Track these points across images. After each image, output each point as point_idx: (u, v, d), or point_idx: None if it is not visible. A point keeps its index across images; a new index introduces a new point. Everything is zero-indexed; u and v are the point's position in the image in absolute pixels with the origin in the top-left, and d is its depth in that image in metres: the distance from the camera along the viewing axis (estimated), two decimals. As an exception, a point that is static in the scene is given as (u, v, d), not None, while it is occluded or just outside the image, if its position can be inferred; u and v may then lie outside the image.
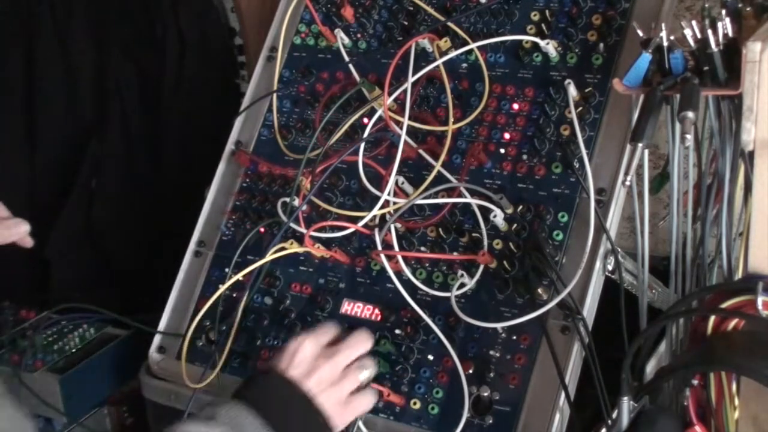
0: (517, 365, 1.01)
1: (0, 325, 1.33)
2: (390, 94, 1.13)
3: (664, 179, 1.07)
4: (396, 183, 1.10)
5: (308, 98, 1.25)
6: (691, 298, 0.96)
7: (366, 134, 1.14)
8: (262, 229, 1.19)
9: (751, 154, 0.86)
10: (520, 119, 1.11)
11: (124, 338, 1.32)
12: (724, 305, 0.84)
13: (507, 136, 1.11)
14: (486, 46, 1.15)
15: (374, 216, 1.10)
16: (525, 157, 1.09)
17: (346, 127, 1.17)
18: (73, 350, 1.29)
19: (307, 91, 1.26)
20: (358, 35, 1.25)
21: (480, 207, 1.07)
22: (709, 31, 0.87)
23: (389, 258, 1.06)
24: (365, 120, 1.17)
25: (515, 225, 1.06)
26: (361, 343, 1.01)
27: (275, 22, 1.32)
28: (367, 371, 1.00)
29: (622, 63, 1.07)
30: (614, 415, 0.91)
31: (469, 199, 1.07)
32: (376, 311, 1.10)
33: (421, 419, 1.03)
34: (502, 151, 1.11)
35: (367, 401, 1.00)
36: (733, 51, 0.87)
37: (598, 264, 1.01)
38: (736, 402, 0.86)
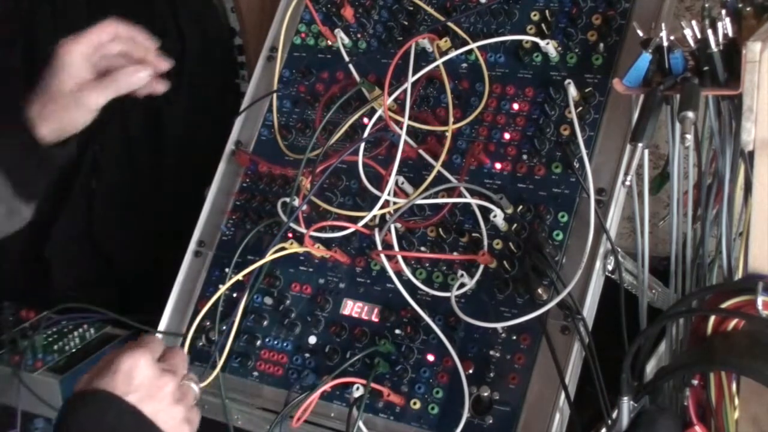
0: (517, 365, 1.01)
1: (0, 325, 1.33)
2: (390, 94, 1.13)
3: (664, 179, 1.07)
4: (396, 183, 1.10)
5: (308, 98, 1.25)
6: (691, 298, 0.96)
7: (366, 134, 1.14)
8: (261, 229, 1.19)
9: (751, 154, 0.86)
10: (520, 119, 1.11)
11: (124, 338, 1.32)
12: (724, 305, 0.84)
13: (507, 136, 1.11)
14: (486, 46, 1.15)
15: (374, 216, 1.10)
16: (525, 157, 1.09)
17: (346, 127, 1.17)
18: (73, 350, 1.29)
19: (307, 91, 1.26)
20: (358, 35, 1.25)
21: (480, 207, 1.07)
22: (709, 31, 0.87)
23: (389, 258, 1.06)
24: (365, 120, 1.17)
25: (515, 225, 1.06)
26: (184, 356, 0.92)
27: (275, 22, 1.32)
28: (195, 385, 0.91)
29: (622, 63, 1.07)
30: (614, 415, 0.91)
31: (469, 199, 1.07)
32: (376, 311, 1.10)
33: (421, 419, 1.03)
34: (502, 151, 1.11)
35: (199, 414, 0.91)
36: (733, 51, 0.87)
37: (598, 264, 1.01)
38: (736, 402, 0.86)
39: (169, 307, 1.23)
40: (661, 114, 0.93)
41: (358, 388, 1.03)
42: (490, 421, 0.99)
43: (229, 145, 1.28)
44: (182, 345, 1.15)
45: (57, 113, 1.03)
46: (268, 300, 1.16)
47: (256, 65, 1.31)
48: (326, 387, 1.06)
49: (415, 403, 1.04)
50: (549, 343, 0.98)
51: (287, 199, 1.14)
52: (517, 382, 1.00)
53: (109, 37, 1.08)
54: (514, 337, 1.02)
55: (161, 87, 1.13)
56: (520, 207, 1.07)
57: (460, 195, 1.08)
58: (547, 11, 1.13)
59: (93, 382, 0.82)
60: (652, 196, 1.03)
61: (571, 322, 0.99)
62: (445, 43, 1.16)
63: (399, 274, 1.06)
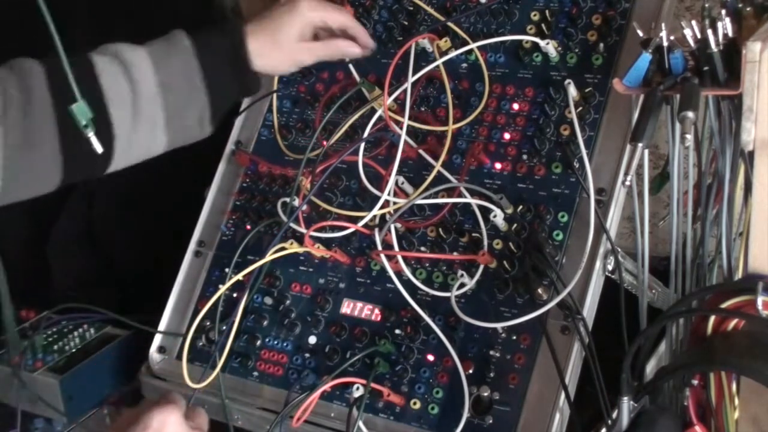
0: (517, 365, 1.01)
1: (0, 325, 1.33)
2: (390, 94, 1.13)
3: (664, 179, 1.07)
4: (396, 183, 1.10)
5: (308, 98, 1.25)
6: (691, 298, 0.96)
7: (366, 134, 1.14)
8: (261, 229, 1.19)
9: (751, 154, 0.86)
10: (520, 119, 1.11)
11: (124, 338, 1.32)
12: (724, 305, 0.84)
13: (507, 136, 1.11)
14: (486, 46, 1.15)
15: (374, 216, 1.10)
16: (525, 157, 1.09)
17: (346, 127, 1.17)
18: (73, 350, 1.29)
19: (307, 91, 1.26)
20: (358, 35, 1.24)
21: (480, 207, 1.07)
22: (709, 31, 0.87)
23: (389, 258, 1.06)
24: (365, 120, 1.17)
25: (515, 225, 1.06)
26: (206, 416, 0.93)
27: (275, 22, 1.32)
28: None
29: (622, 63, 1.07)
30: (614, 415, 0.91)
31: (469, 199, 1.07)
32: (376, 311, 1.10)
33: (421, 419, 1.03)
34: (502, 151, 1.11)
35: None
36: (733, 51, 0.87)
37: (598, 264, 1.01)
38: (736, 402, 0.86)
39: (169, 307, 1.23)
40: (661, 114, 0.93)
41: (358, 388, 1.03)
42: (490, 421, 0.99)
43: (229, 145, 1.28)
44: (182, 345, 1.15)
45: (274, 58, 1.11)
46: (268, 300, 1.16)
47: (256, 65, 1.31)
48: (326, 387, 1.06)
49: (415, 403, 1.04)
50: (549, 343, 0.97)
51: (287, 199, 1.14)
52: (517, 382, 1.00)
53: (339, 25, 1.15)
54: (514, 337, 1.02)
55: (357, 53, 1.18)
56: (520, 207, 1.07)
57: (460, 195, 1.08)
58: (547, 11, 1.13)
59: None
60: (652, 196, 1.03)
61: (571, 322, 0.99)
62: (445, 43, 1.16)
63: (399, 274, 1.06)
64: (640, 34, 0.94)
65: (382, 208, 1.09)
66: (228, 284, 1.13)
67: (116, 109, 1.01)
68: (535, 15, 1.14)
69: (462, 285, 1.04)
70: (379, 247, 1.07)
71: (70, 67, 0.97)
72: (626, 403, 0.88)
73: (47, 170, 0.99)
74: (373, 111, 1.15)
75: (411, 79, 1.12)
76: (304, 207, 1.13)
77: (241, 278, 1.14)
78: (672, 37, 0.91)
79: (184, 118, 1.07)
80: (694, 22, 0.89)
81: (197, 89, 1.06)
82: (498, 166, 1.10)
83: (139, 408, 0.85)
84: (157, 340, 1.22)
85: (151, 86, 1.03)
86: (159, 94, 1.03)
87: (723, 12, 0.87)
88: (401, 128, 1.10)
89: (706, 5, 0.90)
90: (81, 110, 0.96)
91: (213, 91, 1.07)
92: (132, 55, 1.04)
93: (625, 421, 0.89)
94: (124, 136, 1.02)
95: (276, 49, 1.11)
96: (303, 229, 1.11)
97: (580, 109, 1.06)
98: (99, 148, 0.98)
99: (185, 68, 1.06)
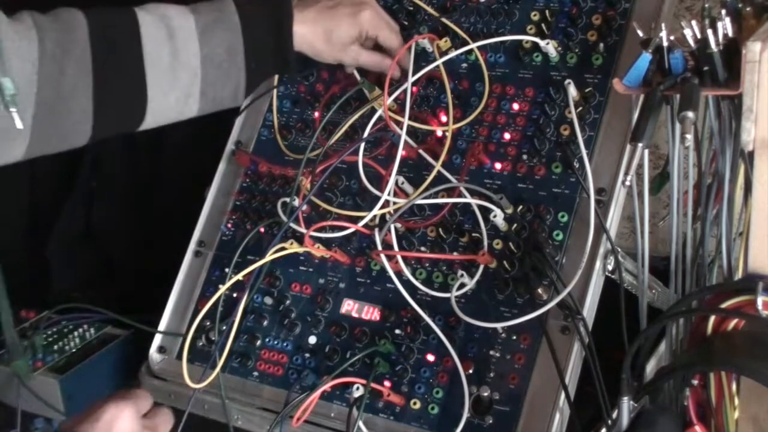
0: (517, 365, 1.01)
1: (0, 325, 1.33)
2: (390, 94, 1.13)
3: (664, 179, 1.07)
4: (396, 183, 1.10)
5: (308, 98, 1.25)
6: (691, 298, 0.96)
7: (366, 134, 1.14)
8: (261, 229, 1.19)
9: (751, 154, 0.85)
10: (520, 119, 1.11)
11: (124, 338, 1.32)
12: (724, 305, 0.84)
13: (507, 136, 1.11)
14: (486, 46, 1.15)
15: (374, 216, 1.10)
16: (525, 157, 1.09)
17: (346, 127, 1.17)
18: (73, 350, 1.29)
19: (307, 91, 1.26)
20: (358, 35, 1.24)
21: (480, 207, 1.07)
22: (709, 31, 0.87)
23: (389, 258, 1.06)
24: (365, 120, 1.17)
25: (515, 225, 1.06)
26: (169, 417, 0.93)
27: (275, 22, 1.32)
28: None
29: (622, 63, 1.07)
30: (614, 415, 0.91)
31: (469, 199, 1.07)
32: (376, 311, 1.10)
33: (421, 419, 1.03)
34: (502, 151, 1.11)
35: None
36: (733, 51, 0.87)
37: (598, 264, 1.01)
38: (736, 402, 0.86)
39: (169, 307, 1.23)
40: (661, 114, 0.93)
41: (358, 388, 1.03)
42: (490, 421, 0.99)
43: (229, 145, 1.28)
44: (182, 345, 1.15)
45: (321, 49, 1.13)
46: (268, 300, 1.16)
47: (257, 65, 1.31)
48: (326, 387, 1.06)
49: (415, 403, 1.04)
50: (549, 343, 0.98)
51: (287, 199, 1.14)
52: (517, 382, 1.00)
53: (387, 46, 1.17)
54: (514, 337, 1.02)
55: (396, 77, 1.19)
56: (520, 207, 1.07)
57: (460, 195, 1.08)
58: (547, 11, 1.13)
59: (76, 426, 0.82)
60: (652, 196, 1.03)
61: (571, 322, 0.99)
62: (445, 43, 1.16)
63: (399, 274, 1.06)
64: (640, 34, 0.94)
65: (382, 208, 1.09)
66: (228, 284, 1.13)
67: (153, 73, 1.01)
68: (535, 15, 1.14)
69: (462, 285, 1.04)
70: (379, 247, 1.07)
71: (115, 24, 0.98)
72: (626, 403, 0.88)
73: (78, 126, 0.99)
74: (373, 111, 1.15)
75: (411, 79, 1.12)
76: (304, 207, 1.13)
77: (241, 278, 1.14)
78: (672, 37, 0.91)
79: (218, 91, 1.07)
80: (694, 22, 0.89)
81: (237, 66, 1.07)
82: (498, 166, 1.10)
83: (102, 399, 0.84)
84: (157, 340, 1.22)
85: (193, 58, 1.03)
86: (199, 66, 1.04)
87: (723, 12, 0.87)
88: (401, 128, 1.10)
89: (706, 5, 0.90)
90: (6, 86, 0.92)
91: (252, 69, 1.08)
92: (179, 21, 1.03)
93: (625, 421, 0.89)
94: (157, 99, 1.03)
95: (325, 43, 1.12)
96: (303, 229, 1.11)
97: (580, 109, 1.06)
98: (19, 124, 0.94)
99: (230, 45, 1.06)
